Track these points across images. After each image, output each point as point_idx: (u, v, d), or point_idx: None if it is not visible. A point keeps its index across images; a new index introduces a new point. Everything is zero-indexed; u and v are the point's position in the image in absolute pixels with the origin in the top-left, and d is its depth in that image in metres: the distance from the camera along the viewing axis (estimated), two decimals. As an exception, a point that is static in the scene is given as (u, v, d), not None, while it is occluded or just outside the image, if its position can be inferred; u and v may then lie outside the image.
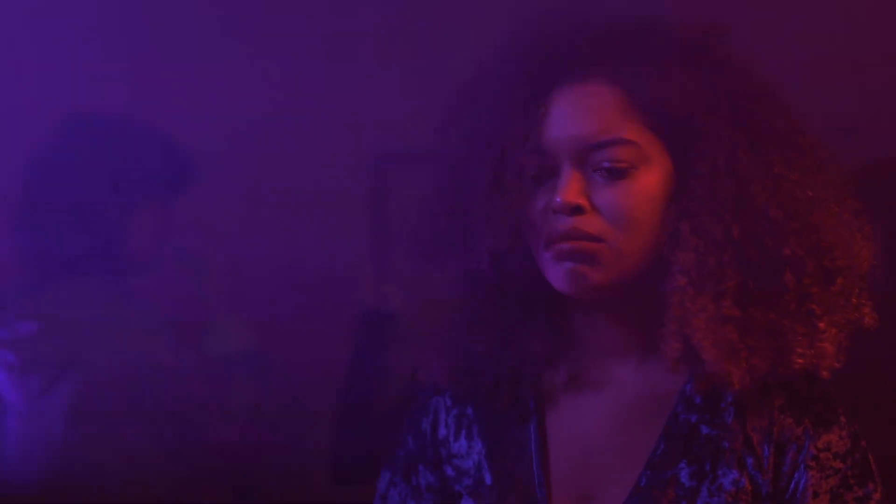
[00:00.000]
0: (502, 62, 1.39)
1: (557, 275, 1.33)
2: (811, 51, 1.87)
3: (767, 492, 1.31)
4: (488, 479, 1.40)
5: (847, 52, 1.91)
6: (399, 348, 1.85)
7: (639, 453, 1.35)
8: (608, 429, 1.37)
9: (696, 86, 1.31)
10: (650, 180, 1.31)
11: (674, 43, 1.35)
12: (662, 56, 1.32)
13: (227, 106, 2.03)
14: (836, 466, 1.31)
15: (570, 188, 1.31)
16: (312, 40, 2.04)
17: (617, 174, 1.30)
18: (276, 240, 2.10)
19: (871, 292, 1.33)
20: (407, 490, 1.46)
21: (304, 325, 2.09)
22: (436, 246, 1.40)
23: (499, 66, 1.38)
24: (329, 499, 2.09)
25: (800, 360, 1.29)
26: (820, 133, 1.35)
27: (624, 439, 1.36)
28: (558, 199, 1.31)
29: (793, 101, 1.36)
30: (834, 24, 1.87)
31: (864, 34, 1.89)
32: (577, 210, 1.30)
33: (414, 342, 1.49)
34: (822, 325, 1.29)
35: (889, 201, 1.79)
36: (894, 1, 1.92)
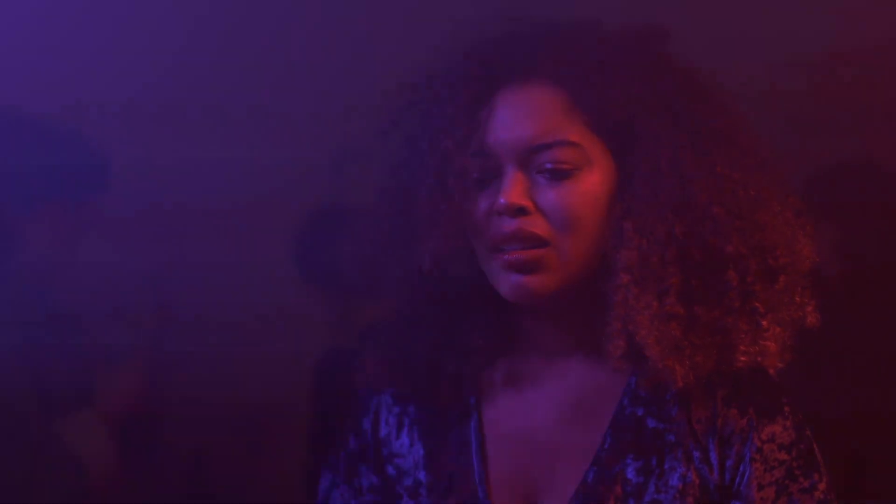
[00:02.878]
0: (445, 64, 1.38)
1: (505, 285, 1.33)
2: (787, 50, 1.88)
3: (715, 485, 1.32)
4: (429, 480, 1.39)
5: (823, 50, 1.92)
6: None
7: (585, 449, 1.35)
8: (553, 425, 1.37)
9: (637, 87, 1.32)
10: (593, 181, 1.31)
11: (615, 45, 1.35)
12: (604, 58, 1.33)
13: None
14: (780, 458, 1.32)
15: (513, 189, 1.30)
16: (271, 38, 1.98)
17: (560, 175, 1.30)
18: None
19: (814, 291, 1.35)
20: (350, 492, 1.45)
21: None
22: (379, 247, 1.39)
23: (442, 68, 1.38)
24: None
25: (743, 358, 1.31)
26: (785, 132, 1.35)
27: (569, 435, 1.36)
28: (502, 200, 1.30)
29: (756, 101, 1.36)
30: (806, 23, 1.88)
31: (835, 32, 1.90)
32: (521, 211, 1.30)
33: (355, 341, 1.47)
34: (765, 322, 1.31)
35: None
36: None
